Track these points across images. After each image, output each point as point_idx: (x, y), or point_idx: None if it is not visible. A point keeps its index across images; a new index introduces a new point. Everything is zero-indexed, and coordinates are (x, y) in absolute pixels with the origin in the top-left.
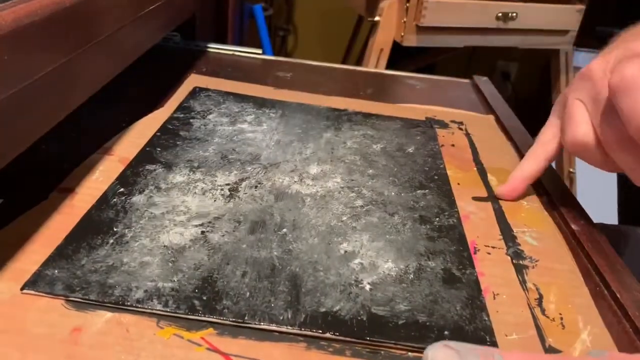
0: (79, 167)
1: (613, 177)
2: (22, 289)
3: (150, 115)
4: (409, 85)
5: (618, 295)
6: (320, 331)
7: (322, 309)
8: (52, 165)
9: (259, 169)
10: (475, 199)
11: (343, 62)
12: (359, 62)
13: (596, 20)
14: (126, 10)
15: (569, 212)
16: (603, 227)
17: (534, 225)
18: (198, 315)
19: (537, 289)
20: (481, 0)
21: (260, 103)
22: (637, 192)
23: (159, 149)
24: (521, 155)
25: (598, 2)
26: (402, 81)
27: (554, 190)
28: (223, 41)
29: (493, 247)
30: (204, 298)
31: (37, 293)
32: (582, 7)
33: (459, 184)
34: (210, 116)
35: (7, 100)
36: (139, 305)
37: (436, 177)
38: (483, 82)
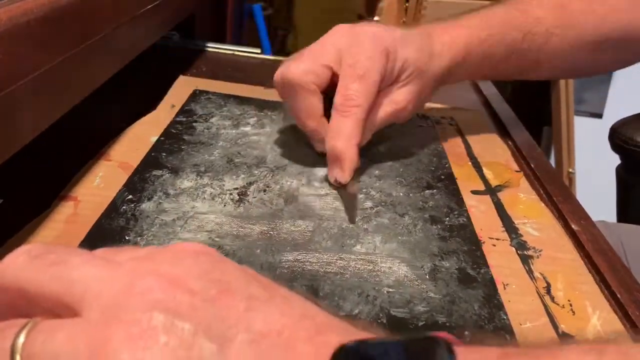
0: (78, 174)
1: (612, 177)
2: None
3: (143, 119)
4: None
5: (618, 295)
6: None
7: (342, 313)
8: (50, 171)
9: (266, 172)
10: (474, 192)
11: None
12: None
13: None
14: (123, 9)
15: (569, 211)
16: (604, 225)
17: (533, 216)
18: None
19: (544, 278)
20: (481, 0)
21: (262, 105)
22: (636, 191)
23: (164, 154)
24: (517, 149)
25: None
26: None
27: (554, 190)
28: (222, 40)
29: (497, 239)
30: None
31: None
32: None
33: (456, 178)
34: (212, 119)
35: (2, 99)
36: None
37: (443, 177)
38: (483, 82)
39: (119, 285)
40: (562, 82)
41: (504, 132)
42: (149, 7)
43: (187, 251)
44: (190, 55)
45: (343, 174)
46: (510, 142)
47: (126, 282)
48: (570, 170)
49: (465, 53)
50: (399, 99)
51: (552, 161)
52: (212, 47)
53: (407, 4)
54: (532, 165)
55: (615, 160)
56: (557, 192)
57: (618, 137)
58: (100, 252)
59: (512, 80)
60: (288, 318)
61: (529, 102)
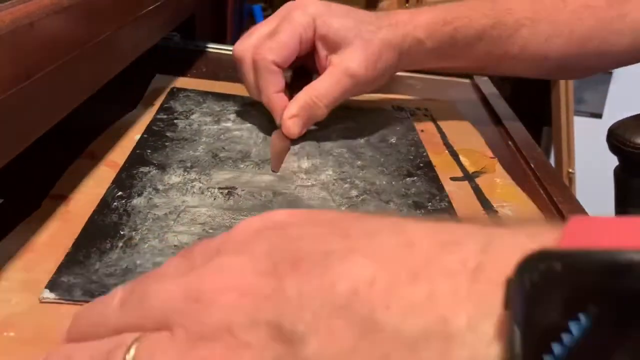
0: (66, 173)
1: (612, 177)
2: (40, 298)
3: (124, 117)
4: (408, 85)
5: None
6: None
7: None
8: (37, 171)
9: (251, 166)
10: (453, 179)
11: None
12: None
13: None
14: (125, 11)
15: (569, 211)
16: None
17: (510, 199)
18: None
19: None
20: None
21: (240, 101)
22: (634, 192)
23: (149, 151)
24: (517, 149)
25: None
26: (402, 81)
27: (554, 190)
28: (222, 41)
29: None
30: None
31: (57, 301)
32: None
33: (435, 166)
34: (193, 116)
35: (4, 101)
36: None
37: (422, 165)
38: (483, 82)
39: (189, 299)
40: (561, 82)
41: (504, 132)
42: (150, 8)
43: (248, 234)
44: (191, 56)
45: (276, 120)
46: (510, 142)
47: (194, 296)
48: (570, 170)
49: (427, 32)
50: (349, 64)
51: (552, 161)
52: (213, 47)
53: (407, 4)
54: (532, 165)
55: (616, 160)
56: (557, 192)
57: (616, 138)
58: (176, 260)
59: (511, 80)
60: (380, 263)
61: (528, 102)
